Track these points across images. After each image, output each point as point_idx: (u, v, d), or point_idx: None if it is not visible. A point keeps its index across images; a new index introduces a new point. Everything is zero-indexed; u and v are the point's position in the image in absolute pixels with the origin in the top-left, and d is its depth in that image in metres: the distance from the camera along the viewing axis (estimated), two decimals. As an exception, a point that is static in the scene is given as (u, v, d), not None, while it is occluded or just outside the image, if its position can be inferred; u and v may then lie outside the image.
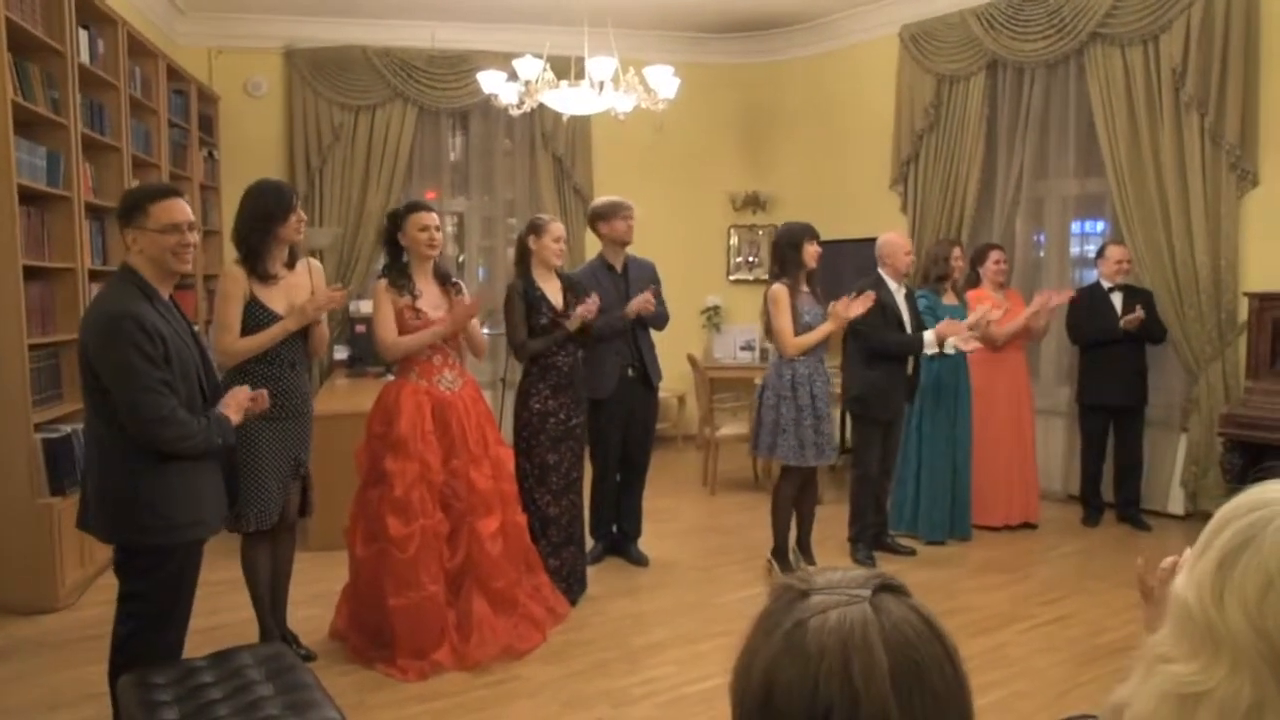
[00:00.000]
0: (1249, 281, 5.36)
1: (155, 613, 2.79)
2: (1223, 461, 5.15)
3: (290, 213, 3.54)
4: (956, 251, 5.41)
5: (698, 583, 4.77)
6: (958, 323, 4.89)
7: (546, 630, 4.04)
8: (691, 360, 6.95)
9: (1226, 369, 5.46)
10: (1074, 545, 5.37)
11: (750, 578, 4.81)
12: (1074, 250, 6.49)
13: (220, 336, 3.48)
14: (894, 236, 5.10)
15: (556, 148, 7.71)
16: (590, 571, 4.65)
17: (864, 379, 4.94)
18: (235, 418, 2.92)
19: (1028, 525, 5.62)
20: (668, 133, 6.91)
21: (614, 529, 5.13)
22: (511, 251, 7.78)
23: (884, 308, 4.87)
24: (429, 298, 3.88)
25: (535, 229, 4.43)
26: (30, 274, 4.30)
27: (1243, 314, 5.29)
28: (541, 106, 5.79)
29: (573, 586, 4.41)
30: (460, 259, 7.90)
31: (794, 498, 4.73)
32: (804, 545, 4.87)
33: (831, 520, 5.47)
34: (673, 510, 6.07)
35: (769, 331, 4.67)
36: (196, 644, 3.01)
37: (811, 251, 4.54)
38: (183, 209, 2.81)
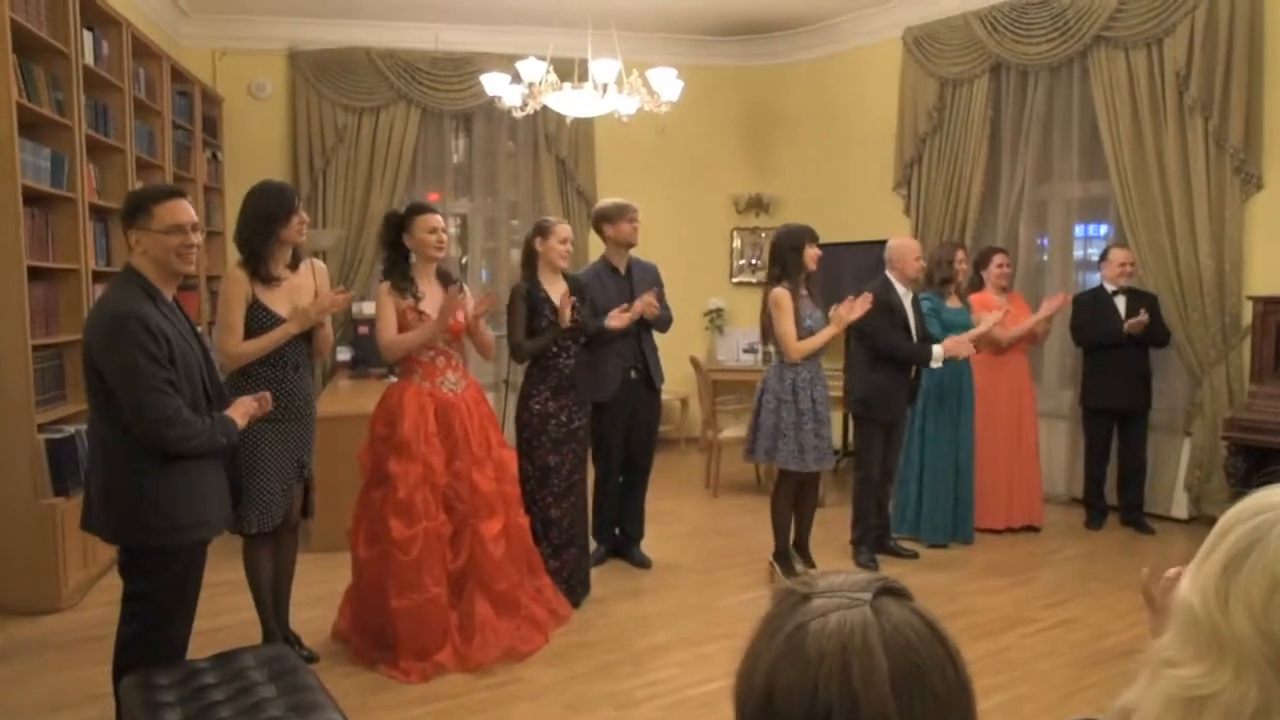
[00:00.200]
0: (1253, 285, 5.35)
1: (159, 613, 2.79)
2: (1226, 465, 5.14)
3: (292, 214, 3.54)
4: (960, 254, 5.41)
5: (700, 585, 4.77)
6: (966, 342, 4.87)
7: (549, 632, 4.04)
8: (694, 362, 6.94)
9: (1230, 373, 5.45)
10: (1077, 549, 5.36)
11: (753, 580, 4.81)
12: (1077, 253, 6.48)
13: (223, 339, 3.48)
14: (906, 241, 5.09)
15: (560, 150, 7.72)
16: (593, 573, 4.65)
17: (868, 381, 4.94)
18: (241, 422, 2.93)
19: (1031, 528, 5.61)
20: (671, 135, 6.92)
21: (616, 531, 5.13)
22: (515, 253, 7.90)
23: (891, 311, 4.87)
24: (432, 299, 3.88)
25: (542, 231, 4.43)
26: (34, 275, 4.31)
27: (1247, 317, 5.28)
28: (545, 108, 5.79)
29: (575, 588, 4.41)
30: (463, 261, 7.91)
31: (793, 500, 4.73)
32: (802, 548, 4.87)
33: (834, 523, 5.47)
34: (675, 512, 6.06)
35: (766, 334, 4.66)
36: (199, 645, 3.01)
37: (812, 254, 4.53)
38: (186, 210, 2.82)
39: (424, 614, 3.68)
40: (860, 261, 6.98)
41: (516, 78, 5.66)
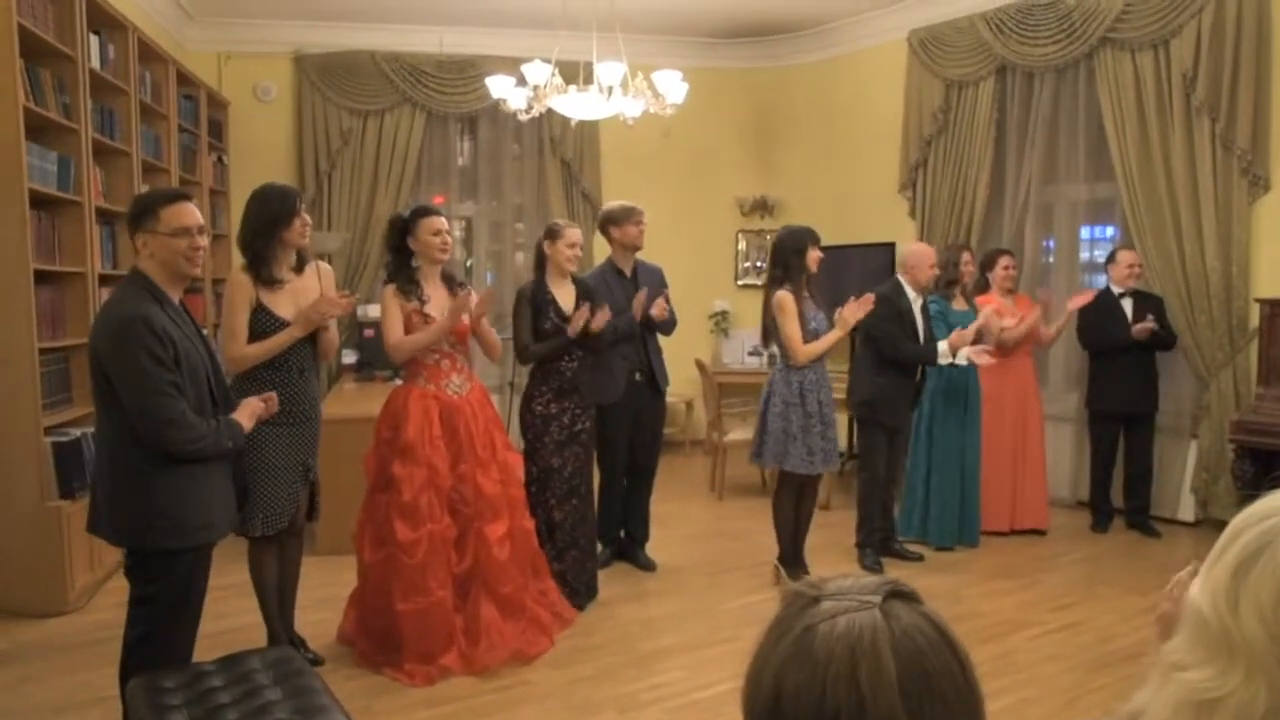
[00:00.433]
0: (1260, 287, 5.34)
1: (165, 616, 2.79)
2: (1234, 468, 5.12)
3: (294, 216, 3.53)
4: (966, 256, 5.40)
5: (705, 588, 4.76)
6: (966, 332, 4.86)
7: (554, 635, 4.04)
8: (699, 365, 6.94)
9: (1237, 375, 5.44)
10: (1083, 551, 5.35)
11: (758, 583, 4.80)
12: (1084, 255, 6.47)
13: (228, 344, 3.48)
14: (922, 248, 5.07)
15: (565, 152, 7.72)
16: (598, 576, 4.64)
17: (873, 385, 4.94)
18: (248, 425, 2.93)
19: (1036, 531, 5.60)
20: (676, 137, 6.92)
21: (622, 534, 5.13)
22: (520, 256, 7.91)
23: (900, 316, 4.86)
24: (436, 302, 3.88)
25: (551, 234, 4.44)
26: (41, 278, 4.32)
27: (1254, 320, 5.27)
28: (550, 111, 5.80)
29: (578, 591, 4.40)
30: (469, 264, 7.91)
31: (795, 503, 4.71)
32: (798, 553, 4.84)
33: (839, 526, 5.47)
34: (680, 515, 6.06)
35: (767, 337, 4.65)
36: (205, 648, 3.01)
37: (814, 256, 4.51)
38: (193, 213, 2.82)
39: (429, 617, 3.68)
40: (865, 264, 6.99)
41: (521, 80, 5.66)
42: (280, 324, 3.51)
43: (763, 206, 8.25)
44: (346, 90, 7.32)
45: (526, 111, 5.74)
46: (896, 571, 4.83)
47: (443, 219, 3.89)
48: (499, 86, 5.77)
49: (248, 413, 2.96)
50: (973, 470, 5.32)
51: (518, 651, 3.84)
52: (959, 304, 5.38)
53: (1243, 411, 5.16)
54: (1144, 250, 5.64)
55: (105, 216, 4.98)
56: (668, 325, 4.94)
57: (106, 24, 5.07)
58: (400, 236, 3.90)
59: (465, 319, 3.87)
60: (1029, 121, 6.33)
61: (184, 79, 6.34)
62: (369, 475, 3.87)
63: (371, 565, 3.79)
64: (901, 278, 5.00)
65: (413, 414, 3.76)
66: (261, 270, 3.52)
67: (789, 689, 0.86)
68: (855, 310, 4.42)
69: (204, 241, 2.84)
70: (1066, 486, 6.21)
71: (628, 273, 4.94)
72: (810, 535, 4.87)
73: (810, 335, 4.47)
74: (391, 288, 3.87)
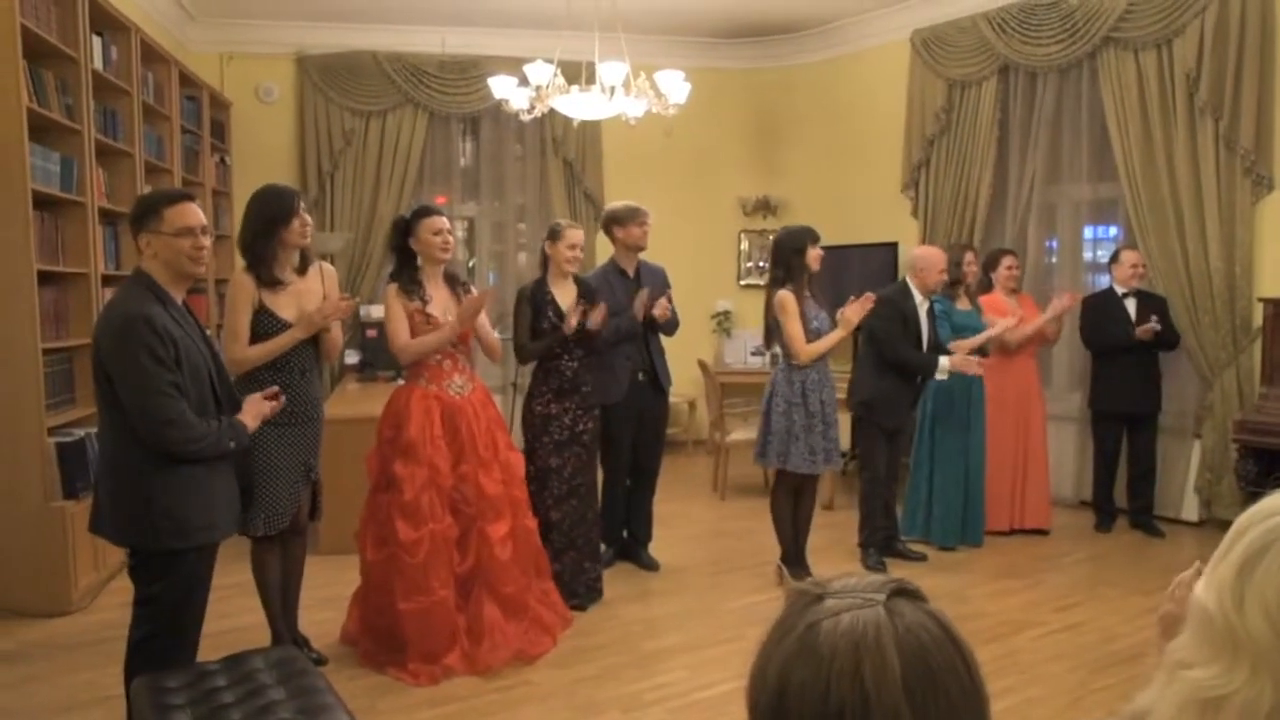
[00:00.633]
0: (1263, 287, 5.33)
1: (168, 616, 2.79)
2: (1237, 468, 5.12)
3: (293, 216, 3.53)
4: (969, 256, 5.40)
5: (708, 588, 4.76)
6: (972, 359, 4.85)
7: (557, 635, 4.04)
8: (702, 365, 6.94)
9: (1241, 375, 5.43)
10: (1086, 551, 5.35)
11: (761, 583, 4.80)
12: (1087, 255, 6.46)
13: (230, 345, 3.49)
14: (933, 252, 5.04)
15: (567, 152, 7.72)
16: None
17: (873, 386, 4.94)
18: (252, 425, 2.93)
19: (1040, 531, 5.59)
20: (678, 137, 6.92)
21: (624, 534, 5.13)
22: (523, 257, 7.91)
23: (905, 319, 4.86)
24: (439, 302, 3.88)
25: (552, 234, 4.46)
26: (44, 279, 4.32)
27: (1257, 320, 5.26)
28: (552, 111, 5.80)
29: (575, 592, 4.39)
30: (471, 264, 7.91)
31: (793, 502, 4.71)
32: (799, 554, 4.84)
33: (841, 526, 5.47)
34: (683, 515, 6.06)
35: (769, 337, 4.65)
36: (209, 648, 3.01)
37: (814, 255, 4.51)
38: (196, 213, 2.82)
39: (431, 616, 3.68)
40: (868, 264, 6.98)
41: (524, 81, 5.66)
42: (282, 326, 3.51)
43: (765, 206, 8.25)
44: (349, 91, 7.33)
45: (529, 112, 5.74)
46: (900, 571, 4.83)
47: (444, 219, 3.89)
48: (501, 87, 5.77)
49: (252, 413, 2.96)
50: (976, 470, 5.31)
51: (520, 651, 3.84)
52: (963, 304, 5.38)
53: (1246, 411, 5.16)
54: (1147, 250, 5.64)
55: (108, 217, 4.99)
56: (671, 325, 4.94)
57: (109, 25, 5.08)
58: (402, 237, 3.90)
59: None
60: (1032, 121, 6.32)
61: (186, 80, 6.35)
62: (371, 475, 3.87)
63: (373, 565, 3.79)
64: (909, 280, 4.99)
65: (414, 414, 3.76)
66: (262, 271, 3.52)
67: (793, 686, 0.86)
68: (857, 309, 4.42)
69: (207, 242, 2.84)
70: (1070, 486, 6.20)
71: (631, 273, 4.94)
72: (813, 535, 4.87)
73: (812, 335, 4.47)
74: (394, 288, 3.87)
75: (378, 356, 6.68)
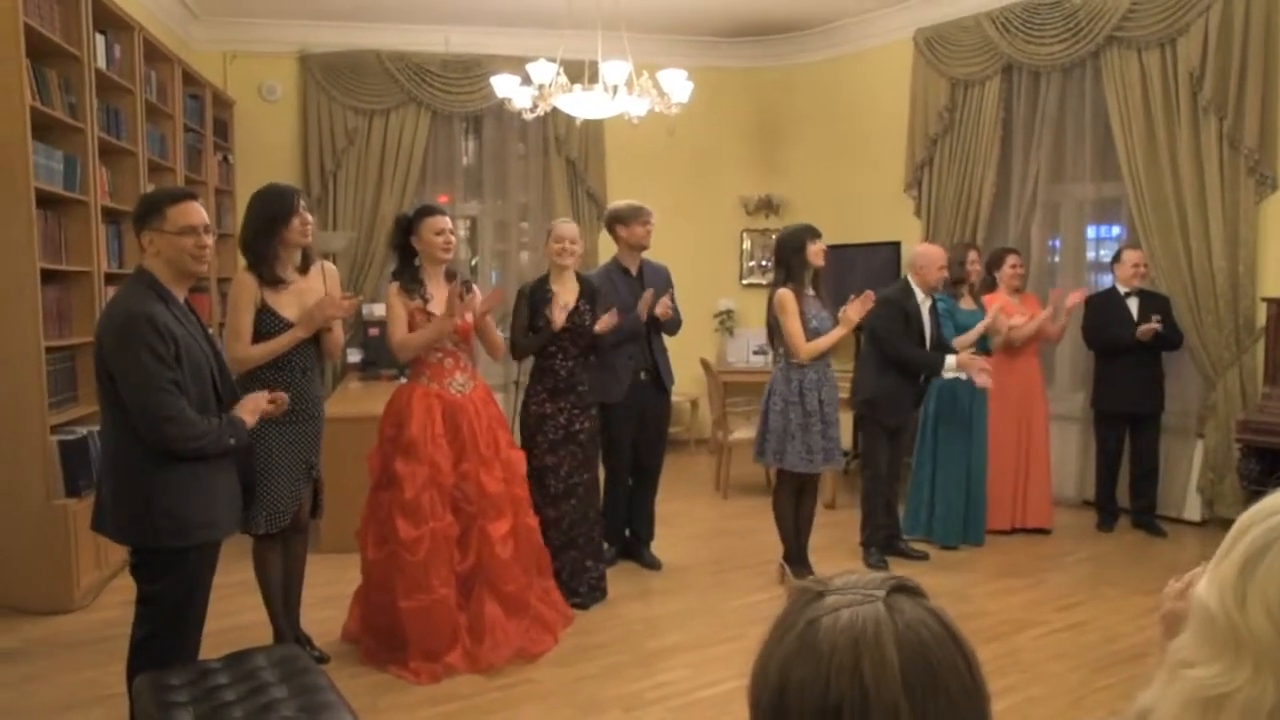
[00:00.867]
0: (1267, 287, 5.32)
1: (170, 614, 2.80)
2: (1239, 468, 5.11)
3: (292, 215, 3.53)
4: (973, 255, 5.40)
5: (710, 587, 4.76)
6: (979, 360, 4.85)
7: (558, 633, 4.04)
8: (704, 364, 6.94)
9: (1244, 375, 5.42)
10: (1089, 551, 5.34)
11: (763, 582, 4.80)
12: (1090, 255, 6.46)
13: (232, 344, 3.49)
14: (932, 249, 5.05)
15: (570, 151, 7.73)
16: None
17: (876, 384, 4.94)
18: (251, 420, 2.93)
19: (1042, 530, 5.59)
20: (681, 136, 6.91)
21: (627, 533, 5.13)
22: (525, 255, 7.92)
23: (907, 317, 4.85)
24: (439, 301, 3.88)
25: (548, 232, 4.47)
26: (47, 277, 4.33)
27: (1260, 319, 5.26)
28: (555, 110, 5.79)
29: (576, 590, 4.40)
30: (473, 263, 7.92)
31: (796, 501, 4.71)
32: (801, 553, 4.83)
33: (843, 525, 5.47)
34: (685, 514, 6.06)
35: (772, 336, 4.65)
36: (211, 646, 3.01)
37: (815, 250, 4.49)
38: (199, 212, 2.82)
39: (432, 614, 3.68)
40: (870, 263, 6.98)
41: (526, 80, 5.66)
42: (284, 325, 3.51)
43: (768, 206, 8.25)
44: (351, 89, 7.33)
45: (531, 111, 5.74)
46: (901, 570, 4.81)
47: (446, 219, 3.89)
48: (504, 86, 5.77)
49: (250, 409, 2.95)
50: (978, 469, 5.31)
51: (522, 649, 3.85)
52: (966, 303, 5.37)
53: (1249, 411, 5.15)
54: (1150, 249, 5.63)
55: (111, 216, 4.99)
56: (673, 324, 4.94)
57: (112, 24, 5.09)
58: (404, 235, 3.90)
59: (469, 318, 3.87)
60: (1035, 120, 6.32)
61: (189, 78, 6.35)
62: (372, 473, 3.88)
63: (374, 563, 3.79)
64: (910, 278, 4.99)
65: (415, 412, 3.77)
66: (263, 270, 3.52)
67: (793, 682, 0.86)
68: (858, 308, 4.41)
69: (210, 240, 2.84)
70: (1072, 486, 6.20)
71: (634, 272, 4.94)
72: (815, 534, 4.86)
73: (812, 333, 4.46)
74: (395, 286, 3.88)
75: (380, 355, 6.68)
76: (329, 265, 3.87)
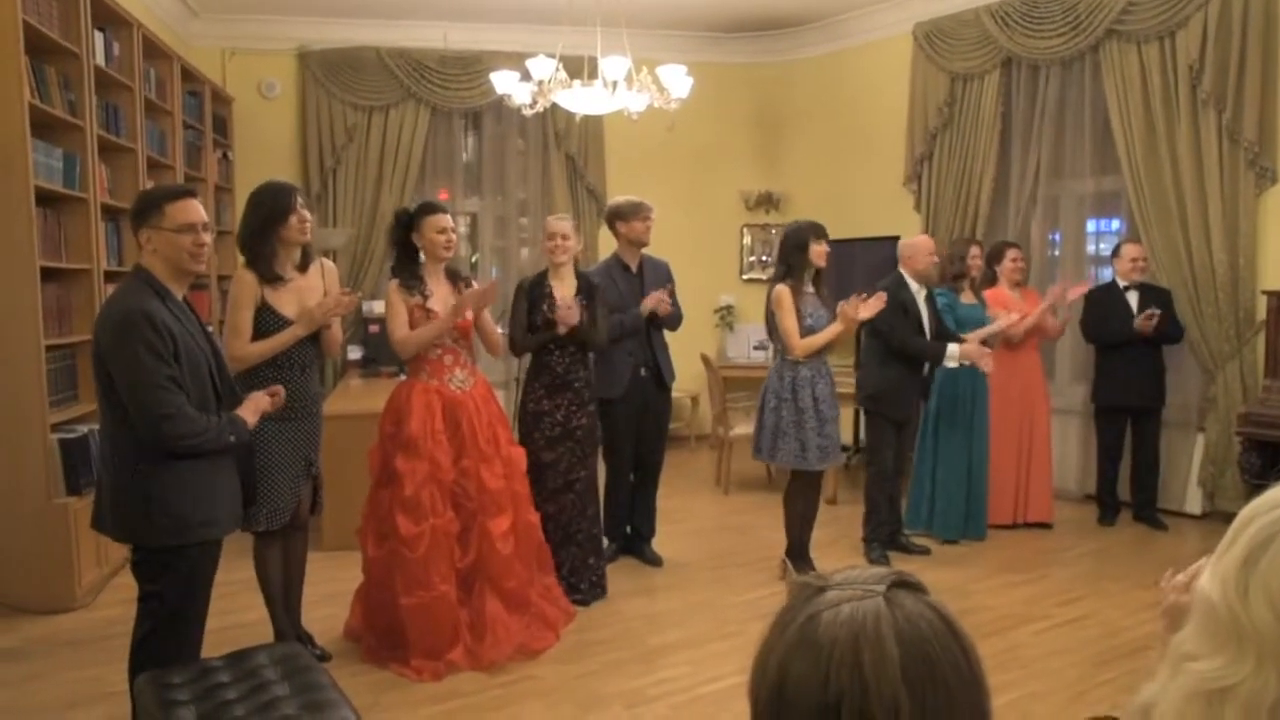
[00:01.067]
0: (1267, 279, 5.32)
1: (171, 612, 2.79)
2: (1240, 461, 5.11)
3: (289, 213, 3.52)
4: (974, 250, 5.39)
5: (711, 583, 4.76)
6: (985, 349, 4.85)
7: (560, 630, 4.04)
8: (705, 360, 6.94)
9: (1244, 368, 5.42)
10: (1090, 545, 5.34)
11: (764, 578, 4.80)
12: (1090, 249, 6.45)
13: (231, 341, 3.48)
14: (917, 239, 5.08)
15: (569, 147, 7.72)
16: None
17: (879, 378, 4.93)
18: (252, 419, 2.93)
19: (1043, 525, 5.59)
20: (680, 132, 6.90)
21: (628, 529, 5.13)
22: (525, 252, 7.91)
23: (905, 308, 4.85)
24: (439, 297, 3.88)
25: (544, 229, 4.47)
26: (47, 275, 4.32)
27: (1261, 312, 5.25)
28: (554, 106, 5.79)
29: (576, 587, 4.40)
30: (474, 259, 7.91)
31: (807, 498, 4.70)
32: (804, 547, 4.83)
33: (845, 519, 5.47)
34: (686, 510, 6.06)
35: (771, 331, 4.65)
36: (212, 644, 3.01)
37: (818, 251, 4.48)
38: (197, 209, 2.82)
39: (432, 611, 3.68)
40: (870, 258, 6.96)
41: (526, 76, 5.65)
42: (284, 322, 3.51)
43: (768, 201, 8.24)
44: (351, 86, 7.32)
45: (531, 107, 5.74)
46: (903, 565, 4.81)
47: (447, 216, 3.88)
48: (503, 82, 5.76)
49: (251, 407, 2.95)
50: (979, 464, 5.31)
51: (523, 646, 3.85)
52: (967, 297, 5.37)
53: (1249, 404, 5.15)
54: (1150, 243, 5.62)
55: (111, 213, 4.99)
56: (674, 320, 4.94)
57: (111, 21, 5.08)
58: (405, 232, 3.90)
59: (469, 314, 3.87)
60: (1034, 115, 6.31)
61: (189, 75, 6.34)
62: (373, 471, 3.88)
63: (375, 560, 3.79)
64: (902, 270, 4.99)
65: (415, 409, 3.77)
66: (262, 268, 3.51)
67: (793, 676, 0.86)
68: (858, 308, 4.37)
69: (208, 238, 2.83)
70: (1073, 480, 6.20)
71: (634, 268, 4.94)
72: (817, 530, 4.85)
73: (807, 330, 4.44)
74: (395, 283, 3.88)
75: (380, 352, 6.69)
76: (328, 263, 3.87)
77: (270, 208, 3.52)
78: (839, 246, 4.67)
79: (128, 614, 2.89)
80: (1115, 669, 3.72)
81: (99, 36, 4.85)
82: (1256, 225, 5.35)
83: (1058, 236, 6.50)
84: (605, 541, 4.82)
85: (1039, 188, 6.35)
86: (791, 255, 4.50)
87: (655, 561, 5.03)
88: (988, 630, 4.06)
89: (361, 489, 3.99)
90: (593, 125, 7.51)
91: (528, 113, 5.85)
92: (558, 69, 5.51)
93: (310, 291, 3.63)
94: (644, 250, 4.98)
